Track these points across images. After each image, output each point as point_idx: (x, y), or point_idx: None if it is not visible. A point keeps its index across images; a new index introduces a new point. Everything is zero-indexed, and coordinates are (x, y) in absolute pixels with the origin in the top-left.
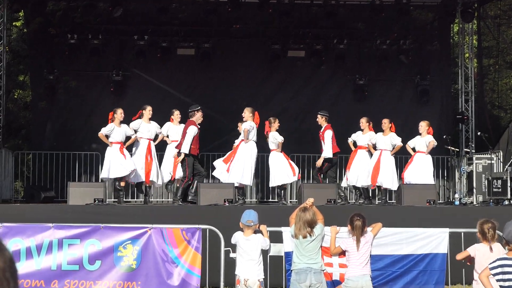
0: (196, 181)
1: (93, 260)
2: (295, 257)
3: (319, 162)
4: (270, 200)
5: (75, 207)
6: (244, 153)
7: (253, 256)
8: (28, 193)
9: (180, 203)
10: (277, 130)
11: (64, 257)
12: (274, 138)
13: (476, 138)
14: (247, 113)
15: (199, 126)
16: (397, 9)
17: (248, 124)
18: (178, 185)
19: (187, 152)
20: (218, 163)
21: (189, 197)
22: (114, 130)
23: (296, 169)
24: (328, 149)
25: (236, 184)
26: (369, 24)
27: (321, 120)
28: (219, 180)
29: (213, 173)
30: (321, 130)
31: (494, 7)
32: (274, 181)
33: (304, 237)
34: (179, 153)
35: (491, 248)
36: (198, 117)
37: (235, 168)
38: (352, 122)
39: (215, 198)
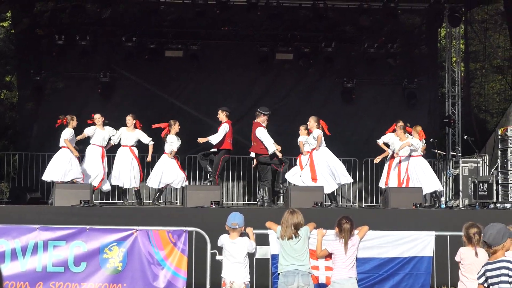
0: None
1: (78, 262)
2: (281, 259)
3: (201, 140)
4: (256, 202)
5: (61, 209)
6: (321, 160)
7: (239, 259)
8: (13, 194)
9: (282, 187)
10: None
11: (49, 258)
12: (171, 142)
13: (463, 141)
14: (312, 121)
15: (264, 126)
16: (385, 13)
17: (319, 132)
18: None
19: (272, 151)
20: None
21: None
22: (73, 135)
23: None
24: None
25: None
26: (357, 27)
27: (221, 115)
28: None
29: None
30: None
31: (481, 12)
32: (151, 182)
33: (290, 238)
34: (264, 158)
35: (476, 253)
36: (263, 119)
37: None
38: (340, 124)
39: (202, 200)
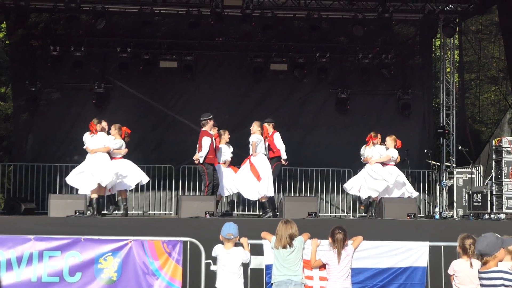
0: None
1: (73, 272)
2: (275, 269)
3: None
4: (252, 213)
5: (56, 219)
6: (258, 167)
7: (233, 269)
8: (8, 205)
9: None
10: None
11: (45, 269)
12: (223, 152)
13: (457, 152)
14: (255, 126)
15: (212, 134)
16: (379, 24)
17: (256, 137)
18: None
19: (202, 162)
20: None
21: None
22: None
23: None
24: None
25: (257, 198)
26: (351, 38)
27: (269, 127)
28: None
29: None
30: (269, 135)
31: (476, 22)
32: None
33: (284, 247)
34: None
35: (471, 264)
36: (210, 125)
37: (253, 183)
38: (335, 135)
39: (196, 210)
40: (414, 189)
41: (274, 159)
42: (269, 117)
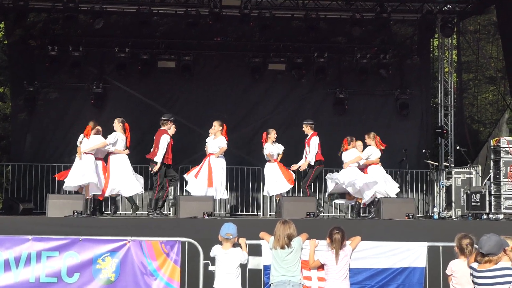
0: (173, 187)
1: (71, 272)
2: (273, 270)
3: (302, 166)
4: (249, 213)
5: (54, 219)
6: (219, 168)
7: (231, 270)
8: (6, 205)
9: (155, 215)
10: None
11: (43, 269)
12: (264, 148)
13: (455, 152)
14: (216, 126)
15: (171, 135)
16: (377, 24)
17: (224, 142)
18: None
19: (158, 160)
20: (191, 177)
21: (169, 203)
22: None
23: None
24: (312, 156)
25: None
26: (349, 38)
27: (306, 128)
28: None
29: (186, 188)
30: (307, 138)
31: (474, 22)
32: (270, 191)
33: (282, 247)
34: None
35: (468, 264)
36: (170, 126)
37: (215, 183)
38: (333, 135)
39: (195, 210)
40: (413, 189)
41: (316, 163)
42: (267, 116)
